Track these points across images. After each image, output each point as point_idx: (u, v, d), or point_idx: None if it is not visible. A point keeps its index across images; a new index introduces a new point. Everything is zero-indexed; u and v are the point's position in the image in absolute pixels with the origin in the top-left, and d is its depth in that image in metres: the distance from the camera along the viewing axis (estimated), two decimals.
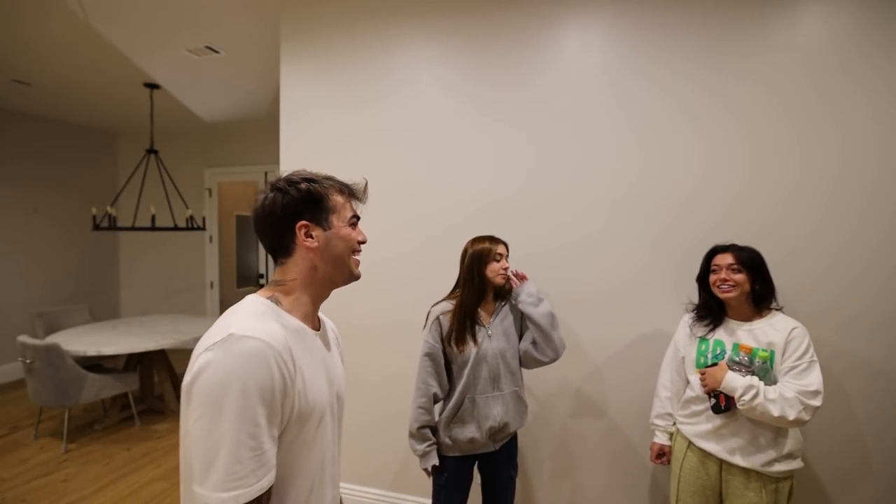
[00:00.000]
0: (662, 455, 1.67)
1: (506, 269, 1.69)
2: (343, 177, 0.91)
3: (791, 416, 1.29)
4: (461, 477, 1.68)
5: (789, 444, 1.39)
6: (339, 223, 0.85)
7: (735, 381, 1.36)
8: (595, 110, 1.95)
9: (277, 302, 0.81)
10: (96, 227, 3.53)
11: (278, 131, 2.47)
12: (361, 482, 2.35)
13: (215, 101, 4.16)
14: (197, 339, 3.37)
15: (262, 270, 5.24)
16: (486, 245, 1.70)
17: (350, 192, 0.88)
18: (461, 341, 1.64)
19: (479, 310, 1.69)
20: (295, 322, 0.81)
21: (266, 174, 5.10)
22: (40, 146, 4.73)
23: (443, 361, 1.67)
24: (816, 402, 1.31)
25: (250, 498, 0.66)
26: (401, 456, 2.26)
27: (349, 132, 2.30)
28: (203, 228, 3.86)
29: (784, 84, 1.73)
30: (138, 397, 3.63)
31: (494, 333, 1.67)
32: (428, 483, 1.71)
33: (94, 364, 3.45)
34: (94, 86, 3.78)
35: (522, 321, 1.77)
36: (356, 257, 0.89)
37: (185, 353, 5.26)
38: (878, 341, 1.67)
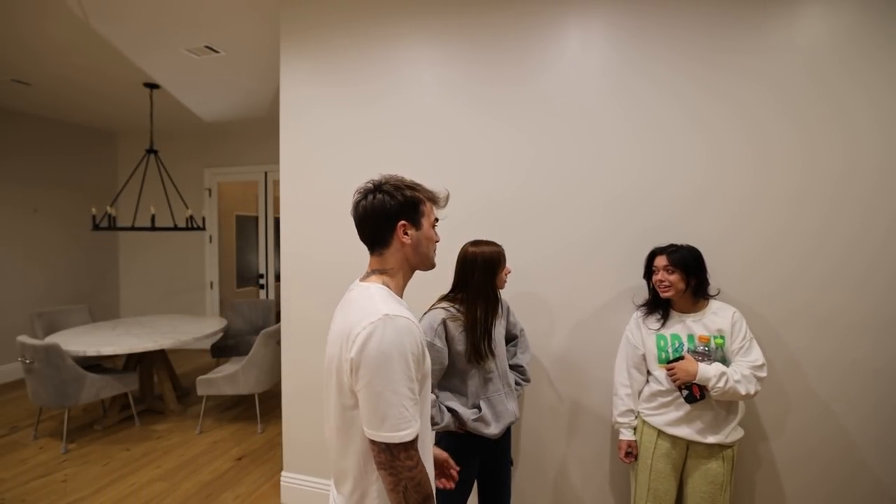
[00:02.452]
0: (630, 453, 1.72)
1: (509, 273, 1.64)
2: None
3: (752, 390, 1.49)
4: (466, 473, 1.62)
5: (739, 416, 1.60)
6: (427, 225, 1.04)
7: (708, 372, 1.50)
8: (595, 110, 1.94)
9: (389, 287, 0.99)
10: (96, 227, 3.53)
11: (278, 131, 2.47)
12: None
13: (215, 101, 4.16)
14: (197, 339, 3.38)
15: (261, 270, 5.24)
16: (495, 248, 1.57)
17: (435, 201, 1.07)
18: (481, 358, 1.53)
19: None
20: (405, 304, 0.99)
21: (266, 174, 5.10)
22: (40, 146, 4.73)
23: (446, 366, 1.55)
24: (764, 374, 1.52)
25: (414, 436, 0.88)
26: None
27: (349, 132, 2.30)
28: (203, 228, 3.86)
29: (784, 84, 1.73)
30: (138, 397, 3.63)
31: (497, 336, 1.63)
32: None
33: (94, 364, 3.45)
34: (94, 86, 3.78)
35: (508, 316, 1.77)
36: (433, 251, 1.08)
37: (184, 353, 5.27)
38: (881, 343, 1.67)
